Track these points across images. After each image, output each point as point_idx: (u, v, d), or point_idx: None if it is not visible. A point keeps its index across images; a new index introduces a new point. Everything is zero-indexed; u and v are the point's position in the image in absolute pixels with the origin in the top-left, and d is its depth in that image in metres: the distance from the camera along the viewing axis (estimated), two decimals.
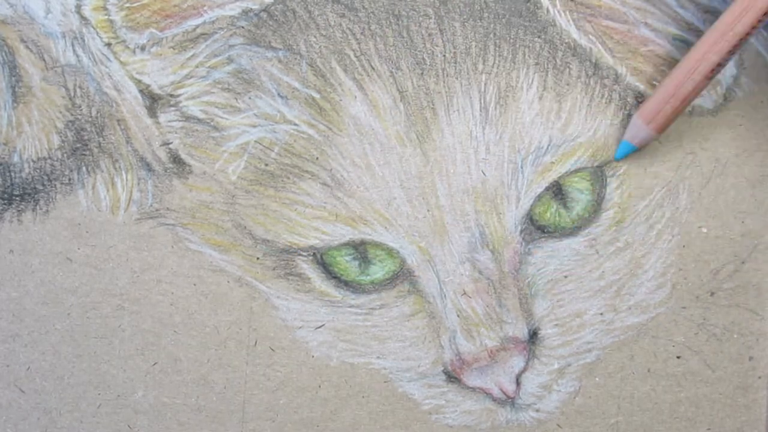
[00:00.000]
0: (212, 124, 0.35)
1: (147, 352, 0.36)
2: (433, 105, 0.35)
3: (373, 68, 0.35)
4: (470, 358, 0.36)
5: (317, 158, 0.35)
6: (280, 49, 0.34)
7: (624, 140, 0.35)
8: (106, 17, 0.34)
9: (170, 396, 0.36)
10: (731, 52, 0.32)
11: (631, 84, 0.35)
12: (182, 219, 0.35)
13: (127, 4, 0.34)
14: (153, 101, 0.35)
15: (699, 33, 0.35)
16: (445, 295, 0.36)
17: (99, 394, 0.36)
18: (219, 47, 0.34)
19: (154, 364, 0.36)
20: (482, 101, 0.35)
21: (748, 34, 0.31)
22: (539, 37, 0.35)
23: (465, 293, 0.35)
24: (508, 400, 0.36)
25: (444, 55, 0.35)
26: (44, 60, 0.34)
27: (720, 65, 0.32)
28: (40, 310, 0.36)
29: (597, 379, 0.36)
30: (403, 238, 0.35)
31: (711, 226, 0.36)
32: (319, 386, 0.36)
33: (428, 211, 0.35)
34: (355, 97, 0.35)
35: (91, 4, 0.34)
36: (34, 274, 0.35)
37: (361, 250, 0.35)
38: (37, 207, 0.35)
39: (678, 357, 0.36)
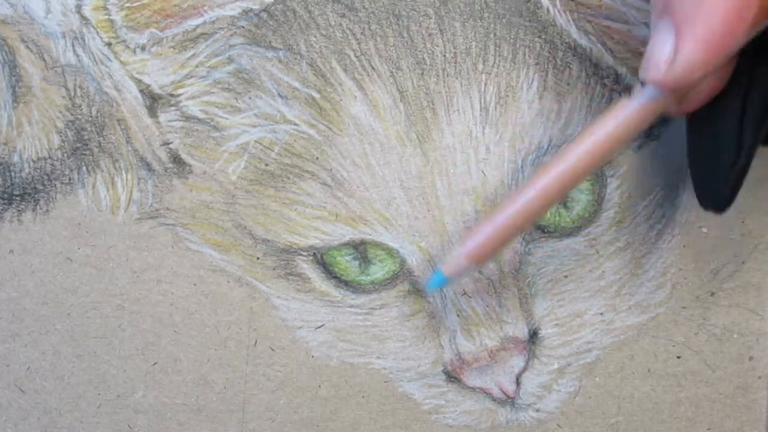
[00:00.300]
0: (212, 123, 0.35)
1: (147, 352, 0.36)
2: (433, 105, 0.35)
3: (373, 68, 0.35)
4: (470, 358, 0.36)
5: (317, 158, 0.35)
6: (281, 49, 0.34)
7: (440, 270, 0.32)
8: (107, 17, 0.34)
9: (170, 396, 0.36)
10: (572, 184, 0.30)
11: (631, 84, 0.35)
12: (182, 219, 0.35)
13: (128, 4, 0.34)
14: (153, 101, 0.35)
15: None
16: (445, 295, 0.36)
17: (99, 394, 0.36)
18: (219, 47, 0.34)
19: (154, 364, 0.36)
20: (482, 101, 0.35)
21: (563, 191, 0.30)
22: (539, 37, 0.35)
23: (465, 293, 0.35)
24: (508, 400, 0.36)
25: (444, 55, 0.35)
26: (44, 60, 0.34)
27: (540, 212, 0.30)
28: (40, 310, 0.36)
29: (597, 379, 0.36)
30: (403, 238, 0.35)
31: (711, 226, 0.36)
32: (319, 386, 0.36)
33: (428, 211, 0.35)
34: (355, 97, 0.35)
35: (91, 4, 0.34)
36: (34, 274, 0.35)
37: (361, 250, 0.35)
38: (37, 207, 0.35)
39: (678, 357, 0.36)
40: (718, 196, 0.29)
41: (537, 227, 0.36)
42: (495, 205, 0.32)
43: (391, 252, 0.35)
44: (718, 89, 0.29)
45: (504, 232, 0.30)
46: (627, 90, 0.35)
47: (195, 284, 0.36)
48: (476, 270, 0.34)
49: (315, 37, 0.34)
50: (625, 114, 0.28)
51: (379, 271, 0.36)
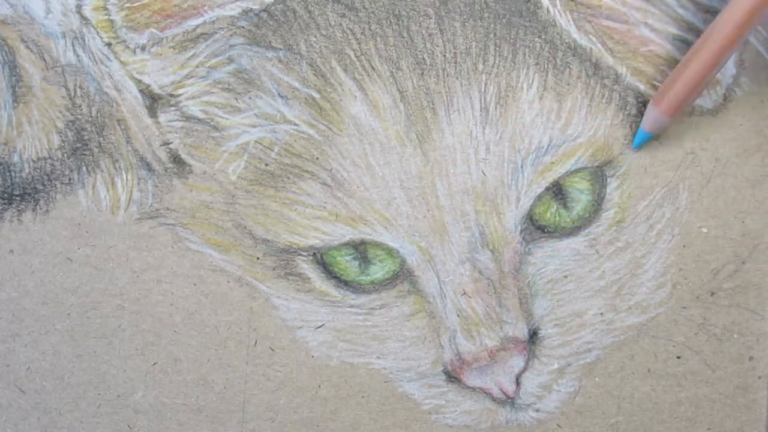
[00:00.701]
0: (212, 124, 0.35)
1: (147, 352, 0.36)
2: (433, 105, 0.35)
3: (373, 68, 0.35)
4: (470, 358, 0.36)
5: (317, 158, 0.35)
6: (281, 49, 0.34)
7: (640, 129, 0.35)
8: (107, 17, 0.34)
9: (170, 396, 0.36)
10: (740, 36, 0.32)
11: (631, 84, 0.35)
12: (182, 219, 0.35)
13: (128, 4, 0.34)
14: (153, 101, 0.35)
15: (699, 33, 0.35)
16: (445, 295, 0.36)
17: (99, 394, 0.36)
18: (219, 47, 0.34)
19: (154, 364, 0.36)
20: (482, 101, 0.35)
21: (755, 18, 0.32)
22: (539, 37, 0.35)
23: (465, 293, 0.35)
24: (508, 400, 0.36)
25: (444, 55, 0.35)
26: (44, 60, 0.34)
27: (731, 48, 0.32)
28: (40, 310, 0.36)
29: (597, 379, 0.36)
30: (403, 238, 0.35)
31: (711, 226, 0.36)
32: (319, 386, 0.36)
33: (428, 211, 0.35)
34: (355, 97, 0.35)
35: (91, 4, 0.34)
36: (34, 274, 0.35)
37: (361, 250, 0.35)
38: (37, 207, 0.35)
39: (678, 357, 0.36)
40: None
41: (537, 227, 0.36)
42: (685, 58, 0.33)
43: (391, 252, 0.35)
44: None
45: (692, 84, 0.33)
46: (627, 89, 0.35)
47: (195, 284, 0.36)
48: (671, 121, 0.35)
49: (315, 37, 0.34)
50: None
51: (379, 271, 0.36)
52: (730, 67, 0.35)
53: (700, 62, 0.32)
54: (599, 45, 0.35)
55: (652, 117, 0.34)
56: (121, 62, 0.34)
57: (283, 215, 0.35)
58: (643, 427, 0.37)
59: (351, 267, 0.36)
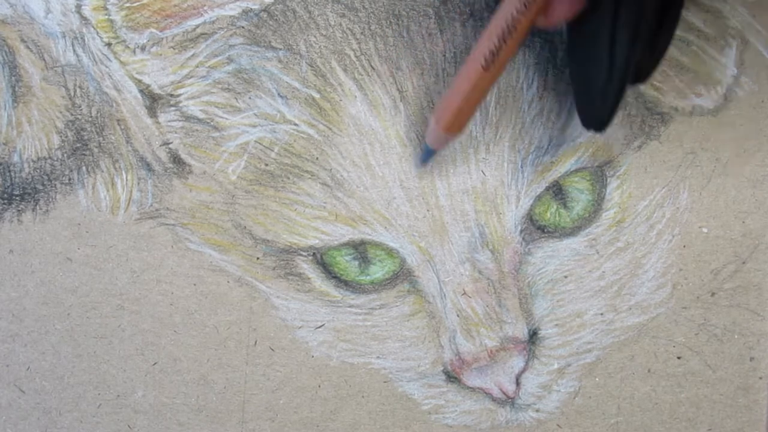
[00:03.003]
0: (212, 124, 0.35)
1: (147, 352, 0.36)
2: (433, 105, 0.35)
3: (373, 68, 0.35)
4: (470, 358, 0.36)
5: (317, 158, 0.35)
6: (280, 49, 0.34)
7: (425, 144, 0.34)
8: (106, 17, 0.34)
9: (170, 396, 0.36)
10: (499, 45, 0.31)
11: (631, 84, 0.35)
12: (182, 219, 0.35)
13: (127, 4, 0.34)
14: (153, 101, 0.35)
15: (700, 33, 0.35)
16: (445, 295, 0.36)
17: (99, 394, 0.36)
18: (219, 47, 0.34)
19: (154, 364, 0.36)
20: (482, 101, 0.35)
21: (511, 29, 0.31)
22: (539, 37, 0.35)
23: (465, 293, 0.35)
24: (508, 401, 0.36)
25: (444, 55, 0.35)
26: (44, 60, 0.34)
27: (492, 54, 0.31)
28: (40, 310, 0.36)
29: (597, 379, 0.36)
30: (403, 238, 0.35)
31: (711, 226, 0.36)
32: (319, 386, 0.36)
33: (428, 211, 0.35)
34: (355, 97, 0.35)
35: (91, 4, 0.34)
36: (34, 274, 0.35)
37: (361, 250, 0.35)
38: (37, 207, 0.35)
39: (678, 357, 0.36)
40: (596, 115, 0.31)
41: (537, 227, 0.36)
42: (458, 73, 0.33)
43: (391, 252, 0.35)
44: (578, 4, 0.30)
45: (470, 100, 0.32)
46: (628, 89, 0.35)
47: (195, 284, 0.36)
48: (455, 139, 0.34)
49: (315, 37, 0.34)
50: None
51: (379, 271, 0.36)
52: (730, 67, 0.35)
53: (467, 80, 0.32)
54: None
55: (433, 133, 0.33)
56: (121, 62, 0.34)
57: (283, 215, 0.35)
58: (643, 427, 0.36)
59: (351, 267, 0.36)
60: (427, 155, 0.34)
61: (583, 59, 0.31)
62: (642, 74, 0.31)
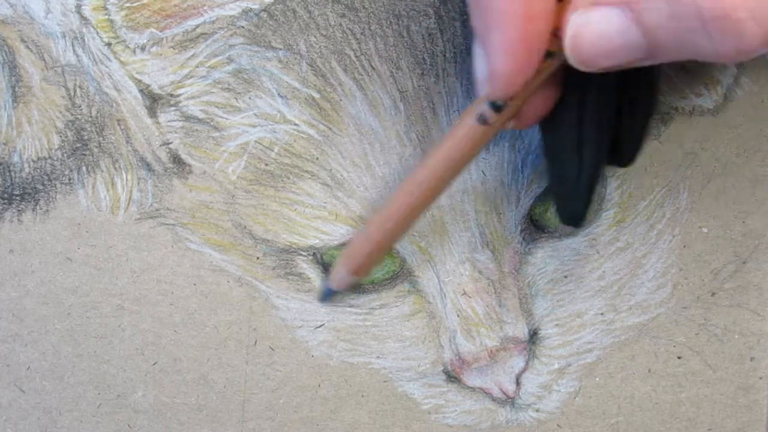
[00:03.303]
0: (212, 124, 0.35)
1: (147, 352, 0.36)
2: (433, 105, 0.35)
3: (373, 68, 0.35)
4: (470, 358, 0.36)
5: (317, 158, 0.35)
6: (280, 49, 0.34)
7: (328, 282, 0.35)
8: (106, 17, 0.34)
9: (170, 396, 0.36)
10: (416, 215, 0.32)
11: None
12: (182, 219, 0.35)
13: (127, 4, 0.34)
14: (153, 101, 0.35)
15: None
16: (445, 295, 0.36)
17: (99, 394, 0.36)
18: (219, 47, 0.34)
19: (154, 364, 0.36)
20: None
21: (433, 194, 0.31)
22: None
23: (465, 293, 0.35)
24: (508, 400, 0.36)
25: (444, 55, 0.35)
26: (44, 60, 0.34)
27: (410, 221, 0.32)
28: (40, 310, 0.36)
29: (597, 379, 0.36)
30: (402, 237, 0.35)
31: (712, 226, 0.36)
32: (319, 386, 0.36)
33: (428, 210, 0.35)
34: (355, 97, 0.35)
35: (91, 4, 0.34)
36: (34, 274, 0.35)
37: None
38: (37, 207, 0.35)
39: (679, 357, 0.36)
40: (572, 210, 0.31)
41: (537, 227, 0.36)
42: (370, 217, 0.33)
43: (390, 252, 0.35)
44: (548, 106, 0.30)
45: (378, 246, 0.32)
46: None
47: (195, 284, 0.36)
48: (360, 281, 0.35)
49: (315, 37, 0.34)
50: (461, 134, 0.30)
51: (378, 271, 0.36)
52: (730, 67, 0.35)
53: (379, 227, 0.32)
54: None
55: (342, 276, 0.34)
56: (121, 62, 0.34)
57: (283, 215, 0.35)
58: (643, 427, 0.36)
59: None
60: (327, 295, 0.35)
61: (553, 156, 0.31)
62: (624, 159, 0.32)
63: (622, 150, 0.31)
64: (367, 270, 0.34)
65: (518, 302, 0.36)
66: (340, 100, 0.35)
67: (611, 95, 0.29)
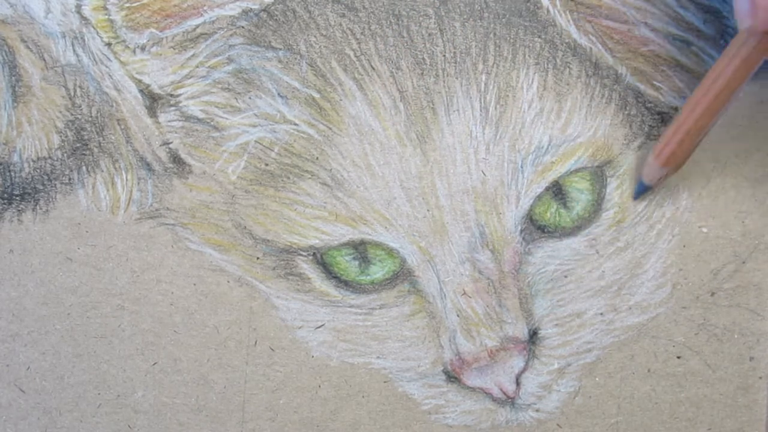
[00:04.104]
0: (212, 124, 0.35)
1: (147, 352, 0.36)
2: (433, 105, 0.35)
3: (373, 68, 0.35)
4: (470, 358, 0.36)
5: (317, 158, 0.35)
6: (280, 49, 0.34)
7: (641, 181, 0.35)
8: (106, 17, 0.34)
9: (170, 396, 0.36)
10: (735, 90, 0.32)
11: (631, 84, 0.35)
12: (182, 219, 0.35)
13: (127, 4, 0.34)
14: (153, 101, 0.35)
15: (699, 33, 0.35)
16: (445, 295, 0.36)
17: (99, 394, 0.36)
18: (219, 47, 0.34)
19: (154, 364, 0.36)
20: (482, 101, 0.35)
21: (752, 67, 0.31)
22: (539, 37, 0.35)
23: (465, 293, 0.35)
24: (508, 400, 0.36)
25: (444, 55, 0.35)
26: (44, 60, 0.34)
27: (727, 101, 0.32)
28: (40, 310, 0.36)
29: (597, 379, 0.36)
30: (403, 238, 0.35)
31: (711, 226, 0.36)
32: (319, 386, 0.36)
33: (428, 211, 0.35)
34: (355, 97, 0.35)
35: (91, 4, 0.34)
36: (34, 274, 0.35)
37: (361, 250, 0.35)
38: (37, 207, 0.35)
39: (678, 357, 0.36)
40: None
41: (537, 227, 0.36)
42: (680, 110, 0.33)
43: (391, 252, 0.35)
44: None
45: (688, 133, 0.33)
46: (627, 89, 0.35)
47: (195, 284, 0.36)
48: (670, 172, 0.35)
49: (315, 37, 0.34)
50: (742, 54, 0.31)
51: (379, 271, 0.36)
52: None
53: (695, 117, 0.32)
54: (599, 45, 0.35)
55: (652, 169, 0.34)
56: (121, 62, 0.34)
57: (283, 215, 0.35)
58: (643, 427, 0.36)
59: (351, 267, 0.36)
60: (640, 190, 0.35)
61: None
62: None
63: None
64: (677, 160, 0.34)
65: (518, 302, 0.36)
66: (340, 100, 0.35)
67: None
